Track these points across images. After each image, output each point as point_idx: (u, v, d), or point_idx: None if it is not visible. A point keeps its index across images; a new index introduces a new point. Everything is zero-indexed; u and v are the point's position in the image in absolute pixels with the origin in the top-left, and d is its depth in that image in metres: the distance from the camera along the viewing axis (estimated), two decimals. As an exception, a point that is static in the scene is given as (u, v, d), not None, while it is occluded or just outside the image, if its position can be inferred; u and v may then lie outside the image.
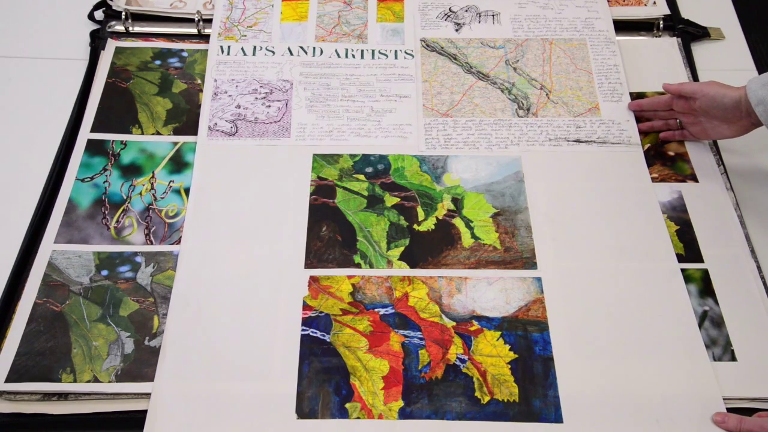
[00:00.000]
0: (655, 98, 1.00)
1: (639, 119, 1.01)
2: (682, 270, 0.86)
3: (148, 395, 0.76)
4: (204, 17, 1.10)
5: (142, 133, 0.98)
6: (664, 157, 0.98)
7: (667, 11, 1.14)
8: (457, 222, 0.90)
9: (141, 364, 0.78)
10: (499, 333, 0.81)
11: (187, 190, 0.93)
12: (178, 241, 0.88)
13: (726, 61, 1.10)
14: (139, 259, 0.86)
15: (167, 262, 0.86)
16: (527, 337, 0.80)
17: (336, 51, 1.07)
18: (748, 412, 0.75)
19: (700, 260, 0.87)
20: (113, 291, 0.83)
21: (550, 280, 0.85)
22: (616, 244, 0.88)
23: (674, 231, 0.90)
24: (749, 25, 1.15)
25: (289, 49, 1.07)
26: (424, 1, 1.14)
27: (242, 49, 1.07)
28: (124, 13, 1.10)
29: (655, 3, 1.16)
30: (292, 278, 0.85)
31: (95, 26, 1.12)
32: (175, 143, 0.97)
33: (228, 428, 0.74)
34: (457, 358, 0.79)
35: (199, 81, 1.04)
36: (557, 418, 0.75)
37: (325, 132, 0.99)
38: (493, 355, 0.79)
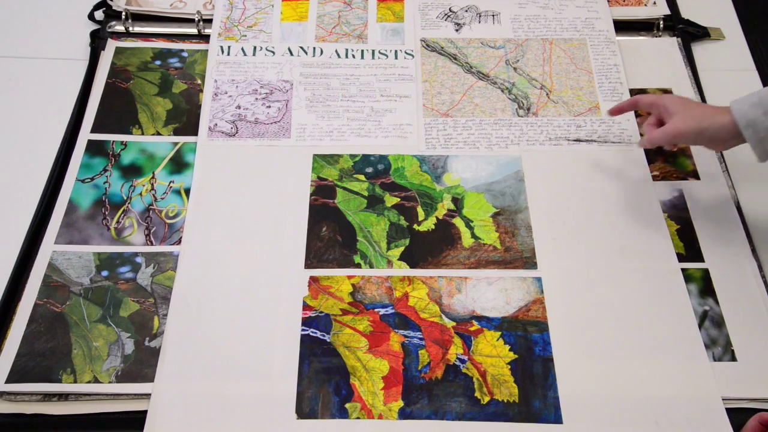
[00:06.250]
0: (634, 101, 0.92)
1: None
2: (683, 269, 0.86)
3: (148, 396, 0.76)
4: (204, 17, 1.10)
5: (143, 134, 0.98)
6: (666, 153, 0.97)
7: (667, 11, 1.14)
8: (457, 222, 0.90)
9: (141, 365, 0.78)
10: (499, 333, 0.81)
11: (187, 191, 0.93)
12: (179, 242, 0.88)
13: (726, 61, 1.10)
14: (139, 259, 0.86)
15: (167, 262, 0.86)
16: (527, 337, 0.80)
17: (336, 51, 1.07)
18: (748, 412, 0.75)
19: (701, 260, 0.87)
20: (113, 292, 0.83)
21: (550, 280, 0.85)
22: (616, 243, 0.88)
23: (675, 230, 0.90)
24: (749, 25, 1.15)
25: (289, 50, 1.07)
26: (424, 1, 1.14)
27: (242, 49, 1.07)
28: (124, 13, 1.10)
29: (655, 3, 1.16)
30: (292, 278, 0.85)
31: (95, 26, 1.12)
32: (175, 144, 0.97)
33: (228, 428, 0.74)
34: (457, 358, 0.79)
35: (199, 81, 1.04)
36: (557, 419, 0.75)
37: (325, 132, 0.99)
38: (493, 355, 0.79)
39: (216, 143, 0.97)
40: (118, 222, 0.90)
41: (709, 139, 0.80)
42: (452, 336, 0.81)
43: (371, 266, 0.86)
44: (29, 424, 0.75)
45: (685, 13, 1.14)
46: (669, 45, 1.11)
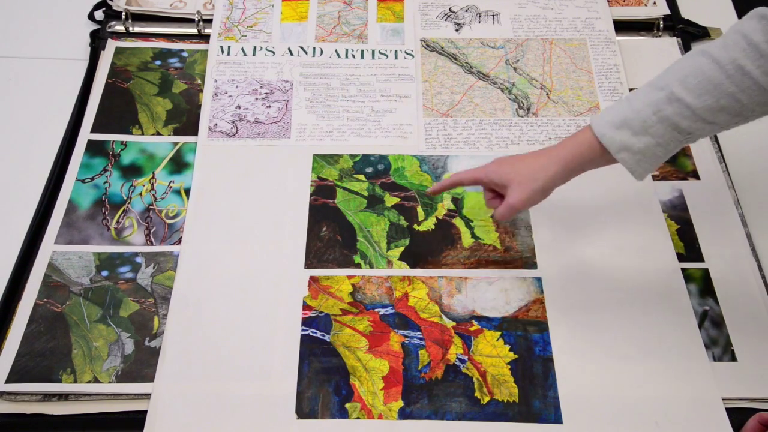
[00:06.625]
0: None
1: None
2: (683, 269, 0.86)
3: (148, 396, 0.76)
4: (204, 17, 1.10)
5: (143, 134, 0.98)
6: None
7: (667, 11, 1.14)
8: (457, 222, 0.90)
9: (141, 365, 0.78)
10: (499, 333, 0.81)
11: (187, 191, 0.93)
12: (179, 242, 0.88)
13: (726, 61, 1.10)
14: (139, 259, 0.86)
15: (167, 262, 0.86)
16: (527, 337, 0.80)
17: (336, 51, 1.07)
18: (748, 412, 0.75)
19: (701, 259, 0.87)
20: (113, 292, 0.83)
21: (550, 280, 0.85)
22: (616, 243, 0.88)
23: (674, 230, 0.90)
24: (749, 24, 1.14)
25: (289, 50, 1.07)
26: (424, 1, 1.14)
27: (242, 49, 1.07)
28: (124, 13, 1.10)
29: (655, 3, 1.16)
30: (292, 278, 0.85)
31: (95, 26, 1.12)
32: (176, 144, 0.97)
33: (228, 428, 0.74)
34: (457, 358, 0.79)
35: (199, 81, 1.04)
36: (557, 419, 0.75)
37: (325, 132, 0.99)
38: (493, 355, 0.79)
39: (216, 143, 0.97)
40: (118, 222, 0.90)
41: (555, 187, 0.77)
42: (452, 336, 0.81)
43: (371, 266, 0.86)
44: (29, 424, 0.75)
45: (685, 13, 1.14)
46: (669, 45, 1.11)
